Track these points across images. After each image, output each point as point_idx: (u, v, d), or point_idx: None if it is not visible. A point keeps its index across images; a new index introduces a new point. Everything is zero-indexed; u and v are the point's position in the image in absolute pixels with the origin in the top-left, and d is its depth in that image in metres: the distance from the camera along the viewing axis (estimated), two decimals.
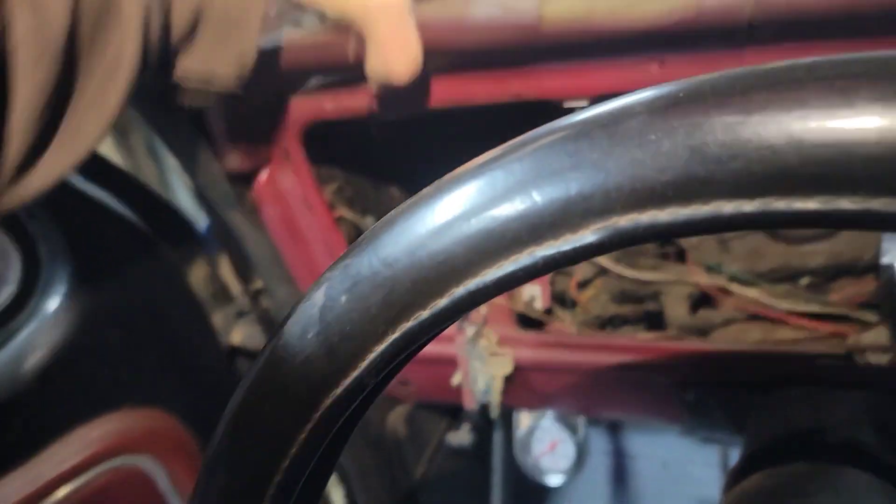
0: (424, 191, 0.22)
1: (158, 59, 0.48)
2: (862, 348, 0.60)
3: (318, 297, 0.23)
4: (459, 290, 0.21)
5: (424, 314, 0.22)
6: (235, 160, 0.72)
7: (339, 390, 0.24)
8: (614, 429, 1.24)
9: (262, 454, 0.25)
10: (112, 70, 0.44)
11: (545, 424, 0.90)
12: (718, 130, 0.17)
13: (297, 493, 0.27)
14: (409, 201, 0.23)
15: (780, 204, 0.17)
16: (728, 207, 0.17)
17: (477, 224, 0.20)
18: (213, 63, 0.50)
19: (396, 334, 0.22)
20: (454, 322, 0.22)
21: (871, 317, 0.63)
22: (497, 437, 1.04)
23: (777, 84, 0.17)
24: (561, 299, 0.80)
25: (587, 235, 0.19)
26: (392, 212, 0.23)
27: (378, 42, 0.49)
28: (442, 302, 0.21)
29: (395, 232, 0.22)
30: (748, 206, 0.17)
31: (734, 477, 0.51)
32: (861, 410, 0.54)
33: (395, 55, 0.49)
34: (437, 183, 0.22)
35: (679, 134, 0.18)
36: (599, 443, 1.24)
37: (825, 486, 0.42)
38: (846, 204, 0.16)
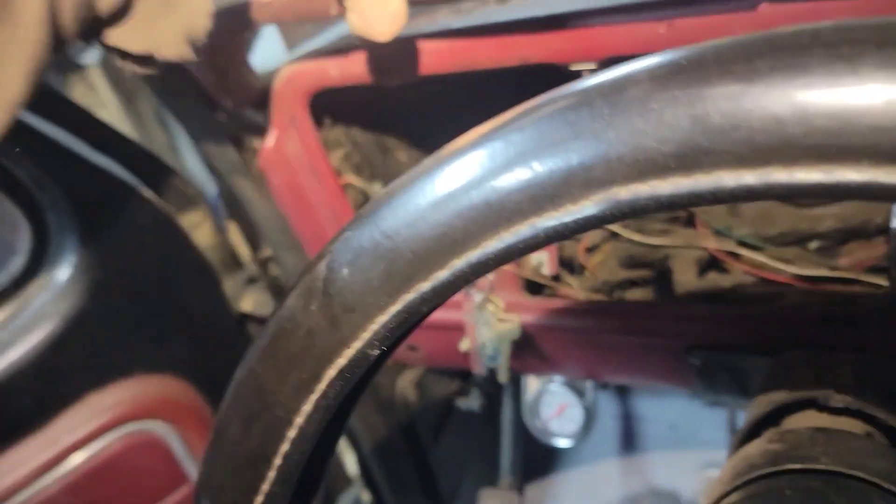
0: (424, 162, 0.22)
1: (81, 31, 0.40)
2: (869, 312, 0.60)
3: (321, 269, 0.24)
4: (460, 262, 0.21)
5: (426, 286, 0.22)
6: (234, 96, 0.71)
7: (343, 361, 0.24)
8: (622, 392, 1.24)
9: (269, 424, 0.26)
10: (8, 43, 0.37)
11: (553, 388, 0.90)
12: (721, 99, 0.17)
13: (305, 459, 0.27)
14: (409, 173, 0.22)
15: (782, 175, 0.17)
16: (730, 178, 0.17)
17: (477, 195, 0.20)
18: (154, 38, 0.43)
19: (398, 306, 0.22)
20: (455, 293, 0.22)
21: (880, 280, 0.63)
22: (506, 401, 1.05)
23: (781, 51, 0.17)
24: (569, 265, 0.80)
25: (588, 206, 0.19)
26: (392, 183, 0.23)
27: None
28: (443, 274, 0.21)
29: (395, 204, 0.22)
30: (750, 176, 0.17)
31: (739, 440, 0.51)
32: (866, 374, 0.54)
33: (374, 11, 0.45)
34: (436, 154, 0.22)
35: (681, 103, 0.17)
36: (607, 405, 1.24)
37: (828, 448, 0.42)
38: (850, 174, 0.16)
